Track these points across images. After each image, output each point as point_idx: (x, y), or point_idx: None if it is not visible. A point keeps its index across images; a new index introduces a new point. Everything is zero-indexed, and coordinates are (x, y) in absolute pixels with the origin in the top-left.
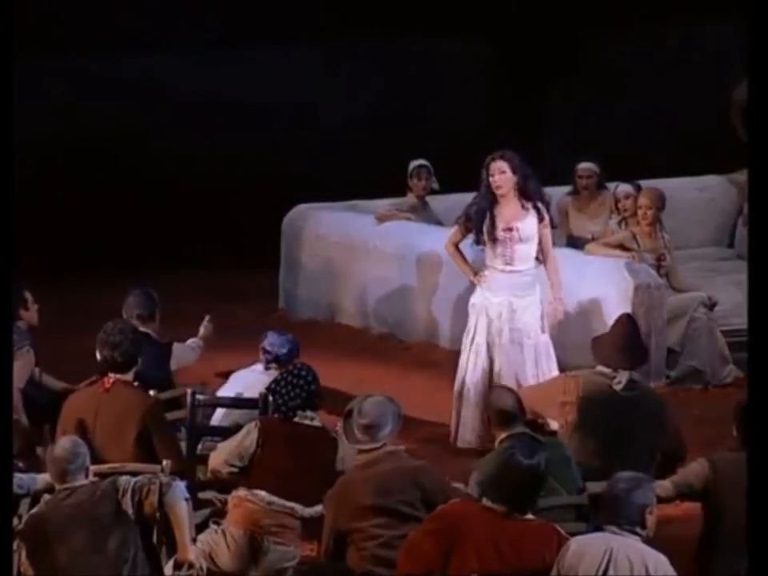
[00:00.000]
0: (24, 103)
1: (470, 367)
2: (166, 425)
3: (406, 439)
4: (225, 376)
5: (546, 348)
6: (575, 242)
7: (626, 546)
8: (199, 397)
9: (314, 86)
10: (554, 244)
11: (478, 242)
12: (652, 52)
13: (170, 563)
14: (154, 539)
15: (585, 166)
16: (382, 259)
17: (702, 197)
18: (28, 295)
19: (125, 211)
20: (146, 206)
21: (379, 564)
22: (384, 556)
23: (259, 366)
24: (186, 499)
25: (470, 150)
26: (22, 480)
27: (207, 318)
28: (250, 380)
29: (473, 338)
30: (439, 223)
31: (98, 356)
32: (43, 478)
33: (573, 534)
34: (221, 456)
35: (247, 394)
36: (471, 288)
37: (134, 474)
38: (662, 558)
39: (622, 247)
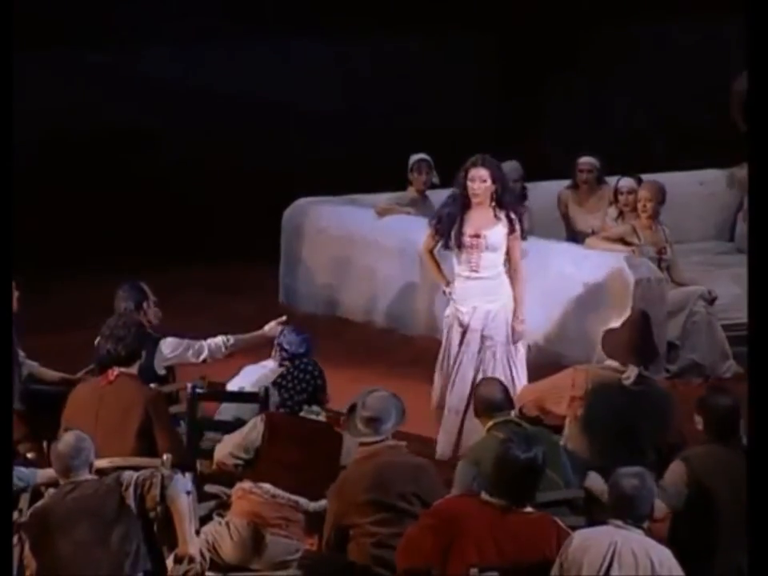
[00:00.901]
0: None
1: (449, 379)
2: (169, 417)
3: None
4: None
5: (519, 356)
6: (575, 236)
7: (631, 540)
8: (199, 391)
9: (313, 80)
10: (555, 237)
11: (447, 246)
12: (651, 46)
13: (171, 557)
14: (156, 533)
15: (585, 160)
16: (383, 253)
17: (702, 191)
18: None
19: (123, 205)
20: (146, 200)
21: (377, 564)
22: (380, 556)
23: (271, 363)
24: (188, 492)
25: (469, 144)
26: (22, 473)
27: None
28: (260, 375)
29: (448, 350)
30: None
31: (102, 349)
32: (43, 473)
33: (570, 527)
34: (226, 448)
35: (253, 389)
36: None
37: (135, 468)
38: (666, 552)
39: (622, 241)
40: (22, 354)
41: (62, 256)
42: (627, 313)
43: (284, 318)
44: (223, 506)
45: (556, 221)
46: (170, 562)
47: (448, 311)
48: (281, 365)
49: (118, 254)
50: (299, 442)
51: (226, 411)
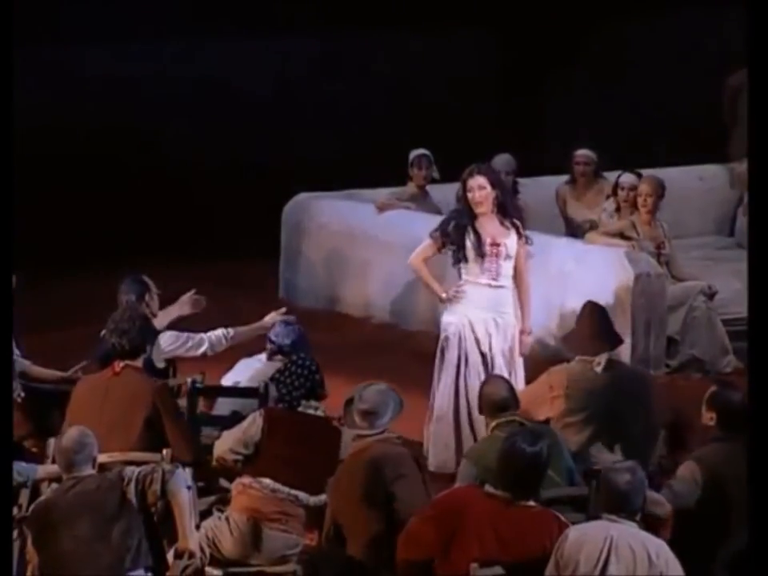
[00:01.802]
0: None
1: (449, 388)
2: (176, 409)
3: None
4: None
5: (519, 365)
6: (574, 231)
7: (626, 534)
8: (198, 386)
9: (314, 76)
10: (555, 233)
11: (458, 259)
12: (652, 41)
13: (171, 552)
14: (158, 528)
15: (582, 153)
16: (383, 248)
17: (701, 186)
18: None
19: (124, 201)
20: (145, 196)
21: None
22: (374, 556)
23: (263, 356)
24: (188, 487)
25: (470, 139)
26: (22, 468)
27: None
28: (253, 369)
29: (455, 358)
30: (439, 212)
31: (107, 343)
32: (43, 469)
33: (571, 524)
34: (226, 444)
35: (248, 383)
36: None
37: (136, 463)
38: (663, 544)
39: (621, 236)
40: (16, 352)
41: (62, 253)
42: (628, 309)
43: (283, 309)
44: (223, 501)
45: (555, 216)
46: (170, 556)
47: (451, 318)
48: (269, 358)
49: (118, 251)
50: (298, 436)
51: (223, 406)
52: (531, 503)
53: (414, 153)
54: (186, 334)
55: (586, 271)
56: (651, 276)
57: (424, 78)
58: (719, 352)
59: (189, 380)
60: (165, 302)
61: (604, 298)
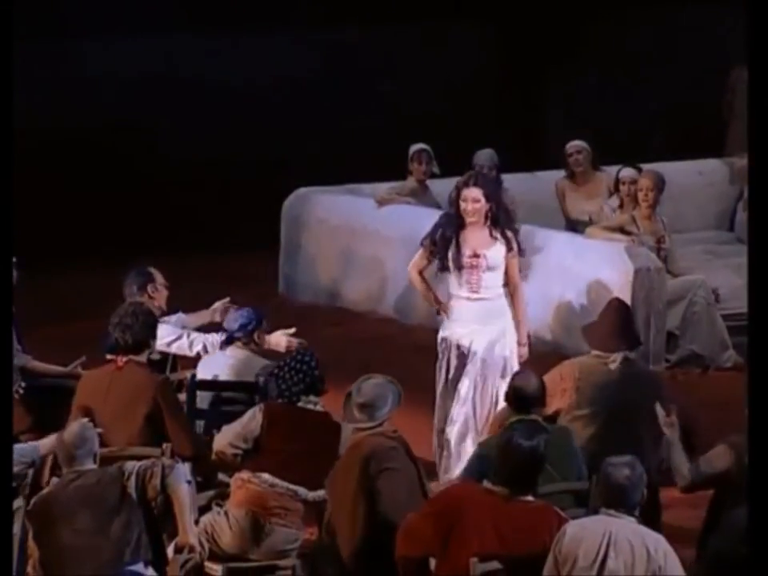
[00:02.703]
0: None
1: (450, 404)
2: (178, 405)
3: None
4: None
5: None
6: (573, 225)
7: (625, 529)
8: (198, 380)
9: (313, 70)
10: (555, 228)
11: (443, 268)
12: (653, 35)
13: (171, 546)
14: (158, 522)
15: (573, 144)
16: (383, 243)
17: (701, 180)
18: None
19: (124, 196)
20: (146, 190)
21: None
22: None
23: (237, 350)
24: (188, 482)
25: (470, 134)
26: (24, 450)
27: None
28: (218, 362)
29: (447, 375)
30: (439, 207)
31: (111, 337)
32: (44, 444)
33: (573, 519)
34: (225, 438)
35: (220, 376)
36: None
37: (137, 458)
38: (661, 539)
39: (621, 230)
40: (17, 347)
41: (61, 248)
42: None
43: (227, 299)
44: (222, 495)
45: (555, 211)
46: (170, 551)
47: (444, 334)
48: (222, 347)
49: (118, 246)
50: (298, 431)
51: (203, 400)
52: (530, 498)
53: (414, 147)
54: (183, 331)
55: (586, 266)
56: (651, 271)
57: (425, 71)
58: (719, 347)
59: (188, 375)
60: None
61: (603, 293)
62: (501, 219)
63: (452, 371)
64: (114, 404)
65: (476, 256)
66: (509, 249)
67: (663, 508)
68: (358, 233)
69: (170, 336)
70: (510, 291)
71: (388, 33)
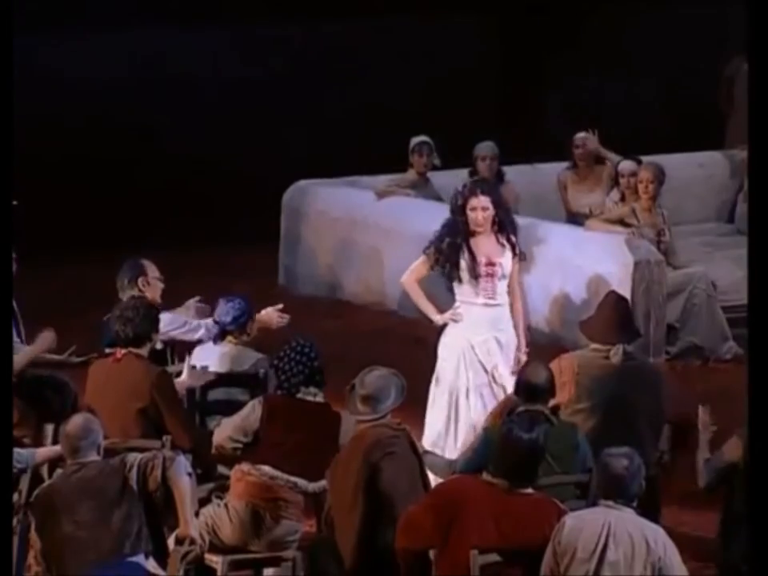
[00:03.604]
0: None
1: (453, 415)
2: (176, 397)
3: None
4: None
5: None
6: (574, 218)
7: (624, 520)
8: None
9: (313, 62)
10: (557, 220)
11: (452, 278)
12: (653, 26)
13: (172, 538)
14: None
15: (579, 136)
16: (383, 235)
17: (702, 173)
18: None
19: (123, 189)
20: (145, 183)
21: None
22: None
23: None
24: (189, 474)
25: (469, 126)
26: (20, 455)
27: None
28: (209, 353)
29: (450, 384)
30: (440, 199)
31: (112, 330)
32: (42, 452)
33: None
34: (225, 431)
35: (211, 367)
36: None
37: (139, 449)
38: (660, 530)
39: (622, 223)
40: (15, 339)
41: (61, 241)
42: (627, 296)
43: (197, 297)
44: (222, 488)
45: (555, 203)
46: (171, 542)
47: (447, 341)
48: (215, 341)
49: (118, 239)
50: (298, 423)
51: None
52: (530, 490)
53: (415, 140)
54: (184, 319)
55: (586, 258)
56: (651, 263)
57: (425, 63)
58: (719, 339)
59: (186, 366)
60: (162, 291)
61: (603, 286)
62: (507, 225)
63: (459, 379)
64: (111, 396)
65: (492, 264)
66: (514, 255)
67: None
68: (358, 225)
69: (172, 323)
70: (511, 298)
71: (389, 23)
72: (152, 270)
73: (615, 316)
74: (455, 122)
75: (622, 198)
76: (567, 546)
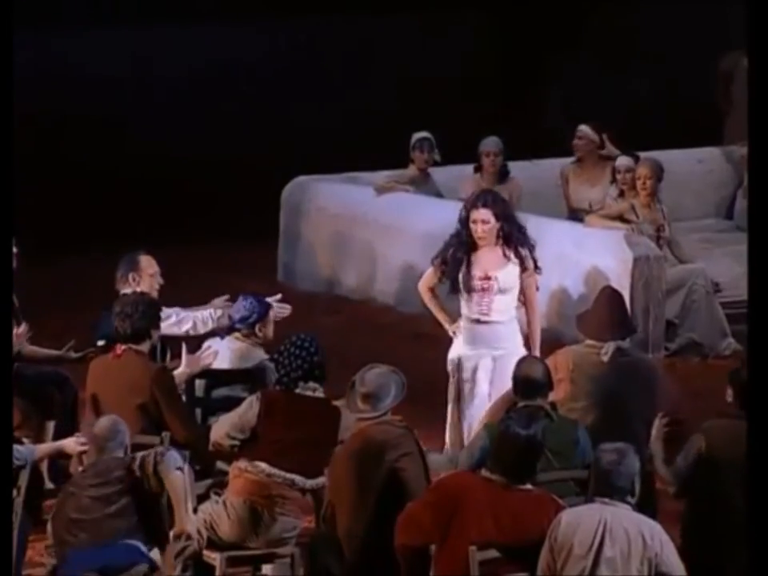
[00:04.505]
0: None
1: (451, 424)
2: (175, 393)
3: None
4: None
5: None
6: (575, 213)
7: (620, 516)
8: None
9: (313, 57)
10: (559, 216)
11: (454, 289)
12: (653, 21)
13: (171, 533)
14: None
15: (581, 128)
16: (383, 231)
17: (701, 168)
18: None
19: (123, 184)
20: (145, 178)
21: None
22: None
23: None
24: (179, 468)
25: (471, 122)
26: (20, 452)
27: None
28: (218, 347)
29: (458, 398)
30: (440, 195)
31: (111, 326)
32: (42, 449)
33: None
34: (223, 429)
35: (219, 363)
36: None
37: (142, 446)
38: (657, 526)
39: (621, 219)
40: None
41: (62, 237)
42: (626, 292)
43: (225, 296)
44: (220, 484)
45: (556, 199)
46: (171, 537)
47: (452, 355)
48: (222, 336)
49: (117, 234)
50: (296, 419)
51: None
52: (528, 486)
53: (416, 136)
54: (172, 310)
55: (585, 254)
56: (650, 259)
57: (426, 59)
58: (718, 335)
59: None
60: (162, 286)
61: (602, 281)
62: (514, 237)
63: (462, 394)
64: (111, 391)
65: (487, 278)
66: (523, 268)
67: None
68: (358, 221)
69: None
70: (527, 312)
71: (390, 21)
72: (148, 266)
73: (609, 312)
74: (455, 118)
75: (621, 194)
76: (564, 542)
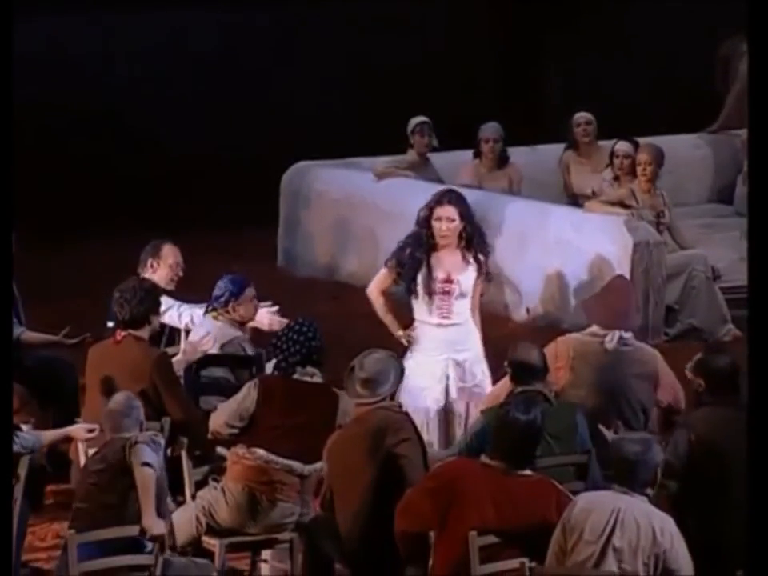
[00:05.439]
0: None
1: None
2: (175, 379)
3: None
4: None
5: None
6: (575, 200)
7: (634, 507)
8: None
9: (314, 45)
10: (556, 202)
11: (410, 292)
12: (653, 6)
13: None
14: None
15: (580, 115)
16: (382, 217)
17: (700, 154)
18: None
19: (124, 172)
20: (146, 166)
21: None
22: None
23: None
24: (147, 464)
25: (468, 107)
26: (26, 440)
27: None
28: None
29: (426, 410)
30: (440, 180)
31: (112, 312)
32: (47, 435)
33: (573, 493)
34: (221, 418)
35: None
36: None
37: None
38: (669, 520)
39: (621, 204)
40: (14, 320)
41: (65, 224)
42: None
43: (275, 308)
44: (218, 470)
45: (554, 185)
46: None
47: (407, 362)
48: (205, 312)
49: (119, 222)
50: (294, 405)
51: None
52: (528, 472)
53: (415, 120)
54: (176, 303)
55: (585, 240)
56: (650, 245)
57: (425, 44)
58: (718, 321)
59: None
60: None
61: (603, 267)
62: (475, 241)
63: (435, 401)
64: (111, 378)
65: (449, 281)
66: (479, 273)
67: None
68: (357, 206)
69: (163, 306)
70: (472, 317)
71: (388, 5)
72: (170, 254)
73: (619, 302)
74: (454, 104)
75: (616, 178)
76: (575, 525)
